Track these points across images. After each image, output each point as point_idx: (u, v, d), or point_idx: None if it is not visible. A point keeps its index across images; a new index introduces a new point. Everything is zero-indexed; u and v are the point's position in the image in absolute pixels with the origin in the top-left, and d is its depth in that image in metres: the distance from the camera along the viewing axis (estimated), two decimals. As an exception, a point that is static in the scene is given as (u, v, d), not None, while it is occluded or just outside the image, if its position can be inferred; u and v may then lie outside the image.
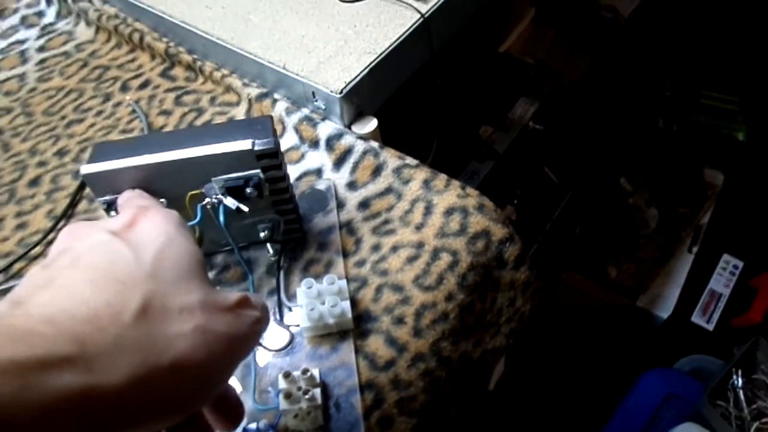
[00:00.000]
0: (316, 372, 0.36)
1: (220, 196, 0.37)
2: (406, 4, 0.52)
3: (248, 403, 0.37)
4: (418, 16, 0.52)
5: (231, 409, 0.27)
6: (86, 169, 0.35)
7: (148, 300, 0.22)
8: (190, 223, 0.36)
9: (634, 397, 0.94)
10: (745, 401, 0.85)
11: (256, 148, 0.36)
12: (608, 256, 1.19)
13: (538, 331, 1.12)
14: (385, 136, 0.52)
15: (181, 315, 0.22)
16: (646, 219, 1.22)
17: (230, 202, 0.37)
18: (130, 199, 0.34)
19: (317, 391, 0.36)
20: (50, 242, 0.48)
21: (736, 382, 0.86)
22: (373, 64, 0.49)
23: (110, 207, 0.37)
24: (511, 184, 0.87)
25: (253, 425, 0.35)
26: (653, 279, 1.15)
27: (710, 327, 1.10)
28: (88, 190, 0.51)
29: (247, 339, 0.25)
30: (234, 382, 0.38)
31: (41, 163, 0.54)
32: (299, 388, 0.35)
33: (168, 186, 0.36)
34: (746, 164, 1.26)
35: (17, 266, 0.47)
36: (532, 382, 1.07)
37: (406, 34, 0.51)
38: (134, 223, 0.26)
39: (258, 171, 0.37)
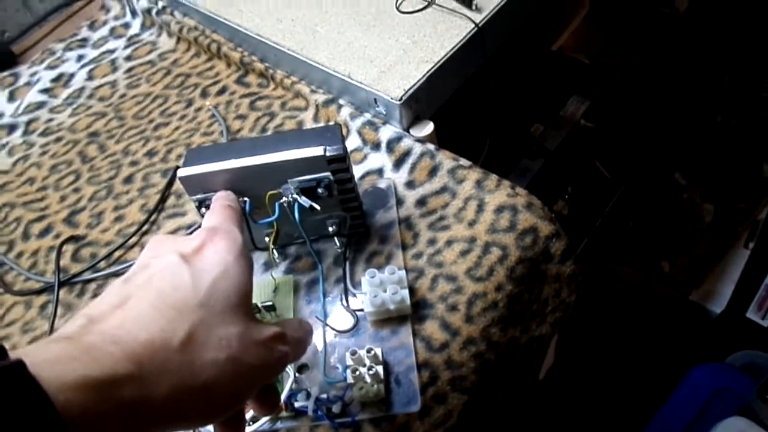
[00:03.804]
0: (378, 351, 0.41)
1: (295, 196, 0.41)
2: (461, 14, 0.56)
3: (318, 377, 0.42)
4: (473, 25, 0.55)
5: (267, 401, 0.33)
6: (182, 172, 0.41)
7: (194, 329, 0.26)
8: (269, 220, 0.42)
9: (683, 390, 0.95)
10: (797, 397, 0.85)
11: (327, 154, 0.40)
12: (662, 250, 1.19)
13: (590, 323, 1.13)
14: (441, 136, 0.56)
15: (219, 344, 0.27)
16: (701, 214, 1.21)
17: (304, 200, 0.42)
18: (218, 199, 0.39)
19: (380, 368, 0.40)
20: (145, 233, 0.54)
21: (788, 378, 0.86)
22: (430, 72, 0.53)
23: (201, 204, 0.42)
24: (563, 180, 0.90)
25: (324, 395, 0.41)
26: (707, 274, 1.15)
27: (765, 323, 1.09)
28: (175, 187, 0.57)
29: (271, 369, 0.30)
30: (306, 359, 0.43)
31: (133, 163, 0.61)
32: (364, 365, 0.40)
33: (250, 186, 0.41)
34: (808, 159, 1.23)
35: (117, 254, 0.53)
36: (582, 373, 1.09)
37: (462, 43, 0.54)
38: (202, 248, 0.30)
39: (328, 174, 0.42)
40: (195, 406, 0.26)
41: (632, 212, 1.13)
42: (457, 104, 0.60)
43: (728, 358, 1.03)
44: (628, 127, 1.01)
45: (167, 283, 0.28)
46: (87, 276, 0.52)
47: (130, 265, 0.51)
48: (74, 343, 0.24)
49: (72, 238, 0.55)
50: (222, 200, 0.38)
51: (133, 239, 0.54)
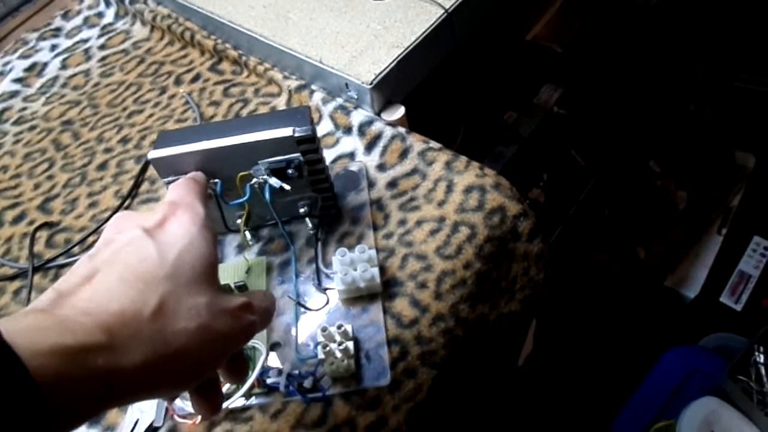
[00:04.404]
0: (349, 328, 0.42)
1: (265, 177, 0.42)
2: (431, 0, 0.57)
3: (291, 354, 0.43)
4: (442, 11, 0.56)
5: (236, 369, 0.34)
6: (153, 154, 0.41)
7: (164, 300, 0.27)
8: (240, 201, 0.42)
9: (657, 373, 0.97)
10: (766, 377, 0.87)
11: (296, 134, 0.41)
12: (637, 237, 1.21)
13: (567, 309, 1.15)
14: (416, 123, 0.57)
15: (189, 313, 0.27)
16: (674, 201, 1.23)
17: (274, 181, 0.42)
18: (177, 186, 0.37)
19: (350, 344, 0.41)
20: (118, 219, 0.55)
21: (758, 359, 0.88)
22: (400, 57, 0.53)
23: (173, 186, 0.43)
24: (537, 167, 0.91)
25: (295, 372, 0.41)
26: (681, 260, 1.17)
27: (738, 307, 1.11)
28: (149, 173, 0.57)
29: (240, 337, 0.31)
30: (278, 337, 0.44)
31: (107, 150, 0.61)
32: (334, 341, 0.41)
33: (221, 168, 0.42)
34: (779, 147, 1.26)
35: (91, 239, 0.54)
36: (560, 358, 1.11)
37: (431, 28, 0.55)
38: (164, 222, 0.30)
39: (298, 154, 0.42)
40: (168, 374, 0.26)
41: (607, 199, 1.15)
42: (431, 90, 0.61)
43: (701, 341, 1.05)
44: (602, 116, 1.03)
45: (133, 256, 0.28)
46: (61, 261, 0.52)
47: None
48: (46, 315, 0.24)
49: (46, 225, 0.56)
50: (180, 187, 0.38)
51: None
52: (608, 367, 1.07)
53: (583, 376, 1.09)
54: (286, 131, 0.41)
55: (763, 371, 0.88)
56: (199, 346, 0.27)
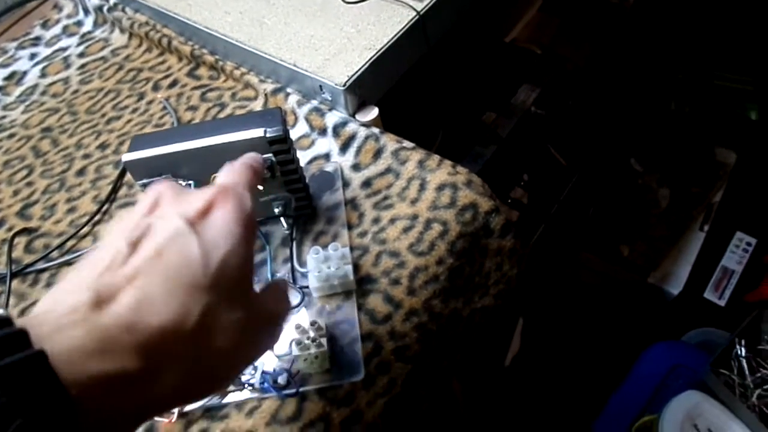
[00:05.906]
0: (322, 323, 0.43)
1: (238, 177, 0.43)
2: (403, 3, 0.58)
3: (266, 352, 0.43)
4: (414, 13, 0.57)
5: None
6: (127, 157, 0.42)
7: (205, 314, 0.25)
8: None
9: (641, 368, 0.98)
10: (748, 370, 0.88)
11: (267, 135, 0.42)
12: (620, 235, 1.23)
13: (553, 307, 1.16)
14: (394, 124, 0.57)
15: (225, 330, 0.26)
16: (657, 198, 1.25)
17: (247, 181, 0.43)
18: (244, 157, 0.36)
19: (324, 340, 0.42)
20: (97, 223, 0.55)
21: (739, 352, 0.89)
22: (373, 59, 0.54)
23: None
24: (517, 166, 0.92)
25: (270, 369, 0.42)
26: (664, 257, 1.18)
27: (722, 303, 1.13)
28: (127, 178, 0.58)
29: (267, 347, 0.31)
30: (254, 335, 0.44)
31: (86, 156, 0.61)
32: (309, 338, 0.42)
33: (194, 170, 0.43)
34: (759, 143, 1.28)
35: (69, 244, 0.54)
36: (547, 357, 1.12)
37: (403, 30, 0.56)
38: (209, 212, 0.28)
39: (270, 155, 0.43)
40: (199, 388, 0.27)
41: (590, 198, 1.16)
42: (408, 92, 0.61)
43: (684, 336, 1.06)
44: (581, 115, 1.04)
45: (176, 257, 0.26)
46: (40, 266, 0.53)
47: (82, 254, 0.52)
48: (89, 327, 0.23)
49: (25, 230, 0.56)
50: (246, 158, 0.36)
51: (86, 229, 0.55)
52: (593, 364, 1.08)
53: (569, 372, 1.09)
54: (257, 132, 0.42)
55: (744, 364, 0.89)
56: (230, 363, 0.27)
